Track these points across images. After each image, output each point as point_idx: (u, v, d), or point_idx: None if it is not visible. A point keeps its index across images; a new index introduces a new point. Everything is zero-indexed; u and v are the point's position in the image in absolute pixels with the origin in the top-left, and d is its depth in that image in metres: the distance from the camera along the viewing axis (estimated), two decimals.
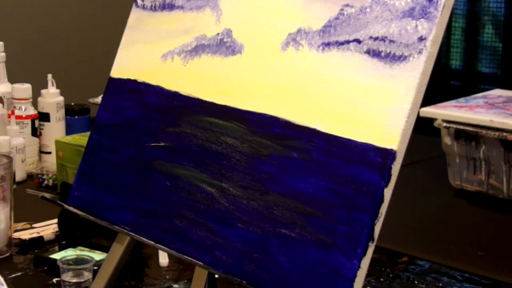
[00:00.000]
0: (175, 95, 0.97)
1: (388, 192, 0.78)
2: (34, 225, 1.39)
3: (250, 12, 0.93)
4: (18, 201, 1.37)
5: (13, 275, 1.20)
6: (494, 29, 3.17)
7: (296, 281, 0.81)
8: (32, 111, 1.70)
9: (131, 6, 1.06)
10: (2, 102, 1.69)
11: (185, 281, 1.19)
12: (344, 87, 0.83)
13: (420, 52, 0.79)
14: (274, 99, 0.88)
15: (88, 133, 1.13)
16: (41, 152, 1.73)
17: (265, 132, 0.88)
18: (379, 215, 0.78)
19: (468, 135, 1.56)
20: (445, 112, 1.60)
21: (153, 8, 1.04)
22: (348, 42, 0.84)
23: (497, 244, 1.41)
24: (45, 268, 1.22)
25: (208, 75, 0.95)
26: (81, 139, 1.54)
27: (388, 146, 0.78)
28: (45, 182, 1.61)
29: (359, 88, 0.82)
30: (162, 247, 0.92)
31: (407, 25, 0.80)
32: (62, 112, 1.73)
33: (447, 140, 1.60)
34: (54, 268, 1.15)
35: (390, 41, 0.81)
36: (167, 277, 1.21)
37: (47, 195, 1.36)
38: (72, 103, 1.81)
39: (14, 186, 1.44)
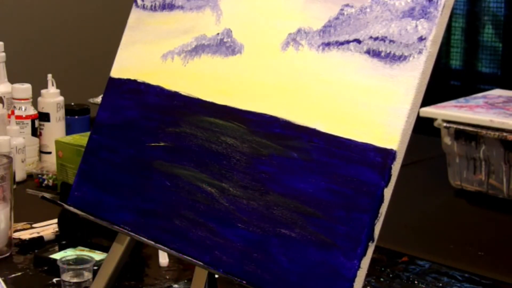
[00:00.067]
0: (175, 95, 0.97)
1: (388, 192, 0.78)
2: (34, 225, 1.39)
3: (250, 12, 0.93)
4: (18, 201, 1.37)
5: (13, 275, 1.20)
6: (494, 29, 3.17)
7: (296, 281, 0.81)
8: (32, 111, 1.70)
9: (131, 6, 1.06)
10: (2, 102, 1.69)
11: (185, 281, 1.19)
12: (344, 87, 0.83)
13: (420, 52, 0.79)
14: (274, 99, 0.88)
15: (88, 133, 1.13)
16: (41, 152, 1.73)
17: (265, 132, 0.88)
18: (379, 215, 0.78)
19: (468, 135, 1.56)
20: (445, 112, 1.60)
21: (153, 8, 1.04)
22: (348, 42, 0.84)
23: (497, 244, 1.41)
24: (45, 268, 1.22)
25: (208, 75, 0.95)
26: (81, 139, 1.54)
27: (388, 146, 0.78)
28: (45, 182, 1.61)
29: (359, 88, 0.82)
30: (162, 247, 0.92)
31: (407, 25, 0.80)
32: (62, 112, 1.73)
33: (447, 140, 1.60)
34: (54, 268, 1.15)
35: (390, 41, 0.81)
36: (167, 277, 1.21)
37: (47, 195, 1.36)
38: (72, 103, 1.81)
39: (14, 186, 1.44)
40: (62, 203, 1.05)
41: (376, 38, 0.82)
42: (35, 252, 1.27)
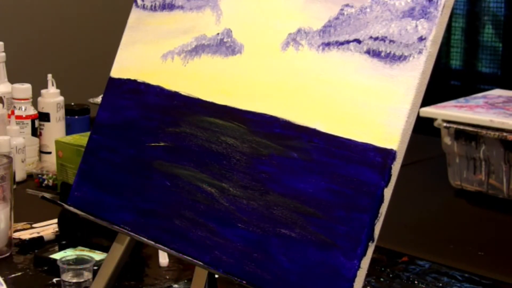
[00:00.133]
0: (175, 95, 0.97)
1: (388, 192, 0.78)
2: (34, 225, 1.39)
3: (250, 12, 0.93)
4: (18, 201, 1.37)
5: (13, 275, 1.20)
6: (494, 29, 3.17)
7: (296, 281, 0.81)
8: (32, 111, 1.70)
9: (131, 6, 1.06)
10: (2, 102, 1.69)
11: (185, 281, 1.19)
12: (344, 87, 0.83)
13: (420, 52, 0.79)
14: (274, 99, 0.88)
15: (88, 133, 1.13)
16: (41, 152, 1.73)
17: (265, 132, 0.87)
18: (379, 215, 0.78)
19: (468, 135, 1.56)
20: (445, 112, 1.60)
21: (153, 8, 1.04)
22: (348, 42, 0.84)
23: (497, 244, 1.41)
24: (45, 268, 1.22)
25: (208, 75, 0.95)
26: (81, 139, 1.54)
27: (388, 146, 0.78)
28: (45, 182, 1.61)
29: (359, 88, 0.82)
30: (162, 247, 0.92)
31: (407, 25, 0.80)
32: (62, 112, 1.73)
33: (447, 140, 1.60)
34: (54, 268, 1.15)
35: (390, 41, 0.81)
36: (167, 277, 1.21)
37: (47, 195, 1.36)
38: (72, 103, 1.81)
39: (14, 186, 1.44)
40: (62, 203, 1.05)
41: (376, 38, 0.82)
42: (35, 252, 1.27)
